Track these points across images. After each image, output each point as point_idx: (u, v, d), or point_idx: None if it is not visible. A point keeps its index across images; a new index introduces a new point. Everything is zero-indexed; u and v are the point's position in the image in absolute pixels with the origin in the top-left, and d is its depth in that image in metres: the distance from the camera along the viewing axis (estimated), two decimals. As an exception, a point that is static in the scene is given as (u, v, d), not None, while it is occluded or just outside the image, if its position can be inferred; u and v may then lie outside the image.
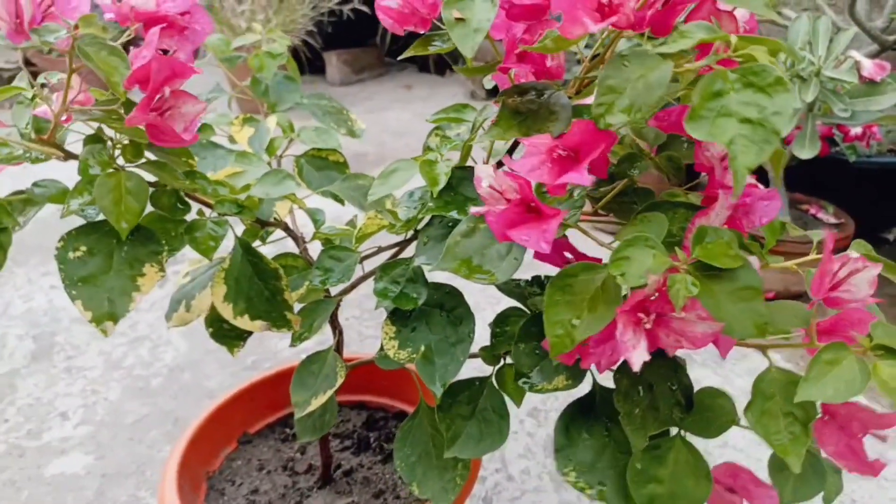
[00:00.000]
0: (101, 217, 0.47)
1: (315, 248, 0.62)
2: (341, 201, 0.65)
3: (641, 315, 0.34)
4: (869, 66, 1.12)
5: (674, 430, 0.46)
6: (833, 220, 1.34)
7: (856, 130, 1.26)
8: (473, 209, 0.41)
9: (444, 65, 3.30)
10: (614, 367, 0.44)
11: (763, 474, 0.49)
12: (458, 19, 0.44)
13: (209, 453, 0.73)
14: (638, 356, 0.33)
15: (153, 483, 0.97)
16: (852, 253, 0.37)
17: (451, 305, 0.54)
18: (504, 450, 1.02)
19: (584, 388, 0.52)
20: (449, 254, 0.45)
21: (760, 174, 1.40)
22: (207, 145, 0.70)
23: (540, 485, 0.96)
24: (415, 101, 2.96)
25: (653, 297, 0.33)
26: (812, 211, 1.37)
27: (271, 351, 1.25)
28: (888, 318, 1.24)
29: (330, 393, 0.56)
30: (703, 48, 0.37)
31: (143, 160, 0.47)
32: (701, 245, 0.34)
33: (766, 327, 0.33)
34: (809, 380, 0.34)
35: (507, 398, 0.54)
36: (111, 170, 0.44)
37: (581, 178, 0.35)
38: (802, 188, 1.42)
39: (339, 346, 0.62)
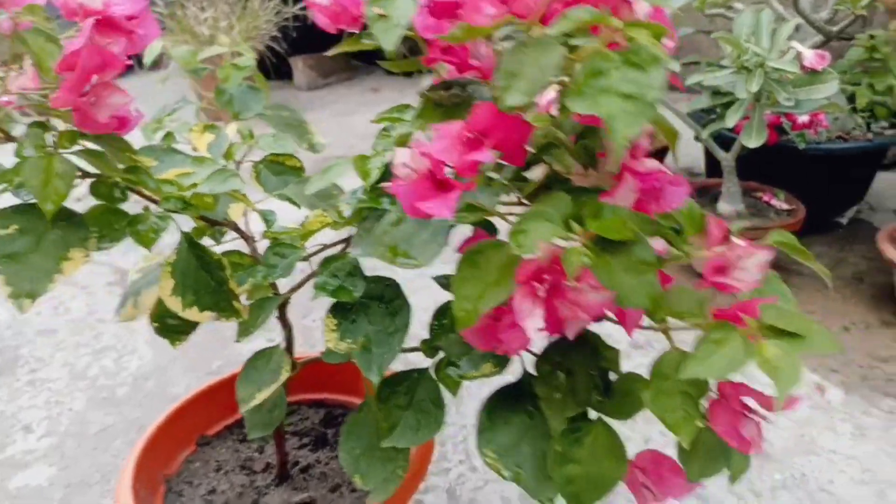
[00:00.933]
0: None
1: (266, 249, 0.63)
2: (297, 204, 0.66)
3: (536, 285, 0.35)
4: (810, 56, 1.15)
5: (595, 416, 0.48)
6: (785, 207, 1.37)
7: (803, 119, 1.30)
8: (384, 184, 0.42)
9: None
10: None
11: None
12: (381, 16, 0.45)
13: (167, 456, 0.74)
14: (531, 324, 0.35)
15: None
16: (737, 240, 0.39)
17: (389, 297, 0.55)
18: (468, 441, 1.04)
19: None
20: (377, 241, 0.47)
21: (713, 166, 1.42)
22: (168, 150, 0.70)
23: (502, 475, 0.97)
24: (382, 103, 2.97)
25: (548, 268, 0.35)
26: (765, 198, 1.40)
27: (236, 354, 1.25)
28: (843, 299, 1.28)
29: (274, 387, 0.57)
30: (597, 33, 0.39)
31: (80, 148, 0.48)
32: (597, 219, 0.35)
33: (660, 299, 0.35)
34: (696, 358, 0.36)
35: (443, 389, 0.55)
36: (43, 153, 0.46)
37: (484, 155, 0.37)
38: (756, 177, 1.45)
39: (289, 344, 0.63)
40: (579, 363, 0.46)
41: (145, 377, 1.22)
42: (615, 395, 0.45)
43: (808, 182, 1.45)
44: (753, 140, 1.19)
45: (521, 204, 0.52)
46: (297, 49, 3.07)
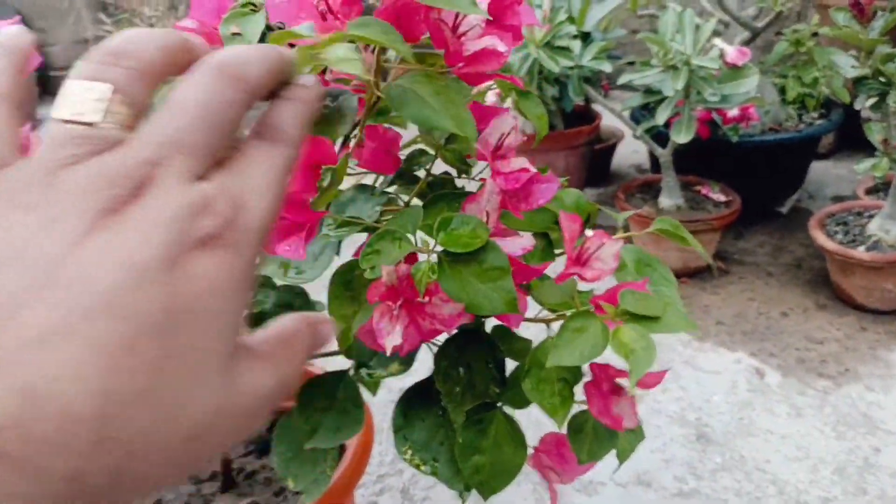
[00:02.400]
0: None
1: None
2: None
3: (390, 303, 0.37)
4: (731, 53, 1.20)
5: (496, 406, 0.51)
6: (722, 198, 1.42)
7: (733, 113, 1.34)
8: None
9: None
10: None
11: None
12: (235, 34, 0.48)
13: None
14: (390, 342, 0.37)
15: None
16: (589, 232, 0.42)
17: (298, 305, 0.58)
18: (418, 444, 1.06)
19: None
20: (270, 259, 0.49)
21: (657, 162, 1.47)
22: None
23: (451, 473, 1.00)
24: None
25: (398, 288, 0.37)
26: (703, 191, 1.45)
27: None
28: (781, 285, 1.32)
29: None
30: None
31: None
32: (445, 231, 0.38)
33: (515, 303, 0.37)
34: (559, 346, 0.38)
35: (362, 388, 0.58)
36: None
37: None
38: (696, 171, 1.50)
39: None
40: (476, 357, 0.48)
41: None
42: (511, 385, 0.48)
43: (745, 174, 1.50)
44: (683, 135, 1.24)
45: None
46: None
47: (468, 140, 0.36)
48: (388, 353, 0.37)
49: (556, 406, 0.40)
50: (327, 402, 0.57)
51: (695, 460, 1.02)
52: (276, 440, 0.63)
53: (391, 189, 0.49)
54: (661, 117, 1.23)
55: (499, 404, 0.49)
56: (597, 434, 0.45)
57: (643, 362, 0.36)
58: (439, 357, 0.49)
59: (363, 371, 0.53)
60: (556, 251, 0.48)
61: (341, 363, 0.59)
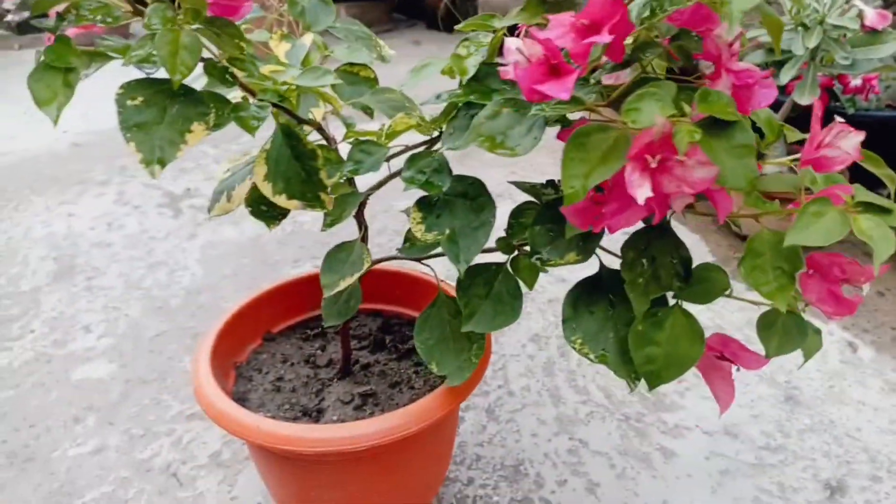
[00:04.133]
0: (157, 75, 0.52)
1: (345, 152, 0.66)
2: (371, 113, 0.69)
3: (648, 157, 0.38)
4: (871, 15, 1.15)
5: (672, 304, 0.51)
6: (829, 170, 1.38)
7: (855, 82, 1.30)
8: (502, 69, 0.45)
9: (452, 22, 3.31)
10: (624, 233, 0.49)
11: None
12: None
13: (236, 347, 0.79)
14: (641, 193, 0.38)
15: (175, 389, 1.02)
16: (839, 119, 0.42)
17: (473, 194, 0.58)
18: (506, 369, 1.08)
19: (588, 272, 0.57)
20: (474, 132, 0.50)
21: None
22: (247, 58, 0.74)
23: (539, 400, 1.02)
24: (424, 56, 2.98)
25: (658, 144, 0.38)
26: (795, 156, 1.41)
27: (282, 278, 1.30)
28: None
29: (357, 275, 0.61)
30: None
31: (201, 26, 0.51)
32: (705, 102, 0.38)
33: (756, 181, 0.38)
34: (797, 229, 0.39)
35: (520, 282, 0.59)
36: (171, 27, 0.49)
37: (602, 38, 0.40)
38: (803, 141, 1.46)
39: (364, 239, 0.67)
40: (661, 251, 0.49)
41: (198, 291, 1.27)
42: (695, 281, 0.48)
43: (853, 149, 1.46)
44: (806, 98, 1.20)
45: (607, 105, 0.54)
46: (340, -4, 3.07)
47: (741, 12, 0.36)
48: (641, 203, 0.37)
49: (773, 291, 0.40)
50: (485, 290, 0.58)
51: (783, 419, 1.01)
52: (419, 328, 0.65)
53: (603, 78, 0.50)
54: (785, 77, 1.20)
55: (678, 301, 0.50)
56: (786, 331, 0.46)
57: (884, 247, 0.36)
58: (626, 248, 0.50)
59: (535, 258, 0.53)
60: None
61: (497, 257, 0.60)
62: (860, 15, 1.16)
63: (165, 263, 1.36)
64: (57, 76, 0.49)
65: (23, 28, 3.24)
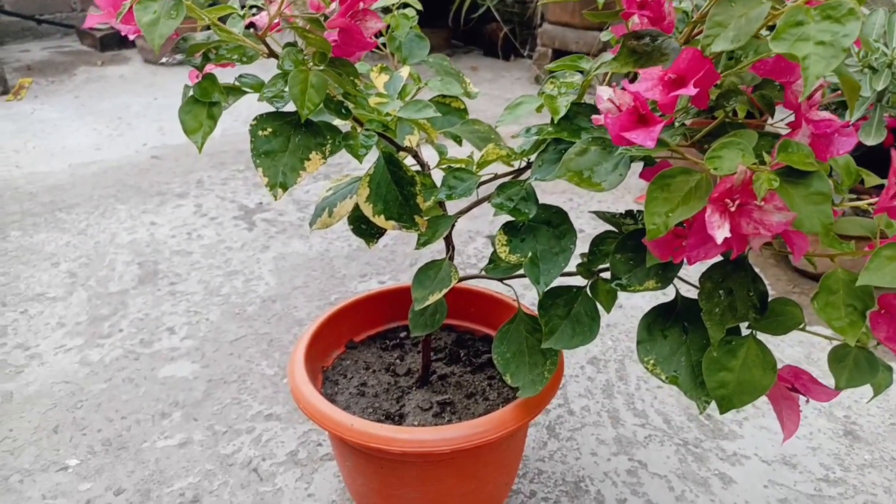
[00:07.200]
0: (284, 109, 0.58)
1: (437, 178, 0.72)
2: (460, 141, 0.75)
3: (727, 201, 0.43)
4: (941, 59, 1.17)
5: (746, 334, 0.55)
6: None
7: (923, 122, 1.31)
8: (595, 117, 0.50)
9: (509, 49, 3.38)
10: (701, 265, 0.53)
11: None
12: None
13: (323, 352, 0.85)
14: (721, 234, 0.42)
15: (253, 390, 1.09)
16: None
17: (556, 222, 0.63)
18: (566, 389, 1.12)
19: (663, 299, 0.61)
20: (564, 166, 0.55)
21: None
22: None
23: (599, 420, 1.05)
24: (481, 83, 3.05)
25: (738, 190, 0.42)
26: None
27: (350, 291, 1.37)
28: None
29: (445, 290, 0.66)
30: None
31: (325, 67, 0.57)
32: (785, 152, 0.42)
33: (831, 227, 0.42)
34: (870, 270, 0.43)
35: (598, 306, 0.64)
36: (302, 68, 0.55)
37: (689, 91, 0.45)
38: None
39: (451, 258, 0.73)
40: (738, 284, 0.53)
41: (272, 300, 1.34)
42: (770, 314, 0.52)
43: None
44: (872, 138, 1.22)
45: (690, 146, 0.59)
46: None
47: (817, 76, 0.40)
48: (720, 242, 0.41)
49: (845, 327, 0.44)
50: (565, 310, 0.63)
51: (842, 453, 1.03)
52: (497, 341, 0.70)
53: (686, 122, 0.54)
54: (853, 116, 1.22)
55: (752, 331, 0.54)
56: (857, 365, 0.49)
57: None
58: (704, 279, 0.54)
59: (615, 283, 0.58)
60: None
61: (578, 281, 0.65)
62: (929, 58, 1.18)
63: (241, 272, 1.44)
64: (202, 109, 0.56)
65: (105, 44, 3.44)
